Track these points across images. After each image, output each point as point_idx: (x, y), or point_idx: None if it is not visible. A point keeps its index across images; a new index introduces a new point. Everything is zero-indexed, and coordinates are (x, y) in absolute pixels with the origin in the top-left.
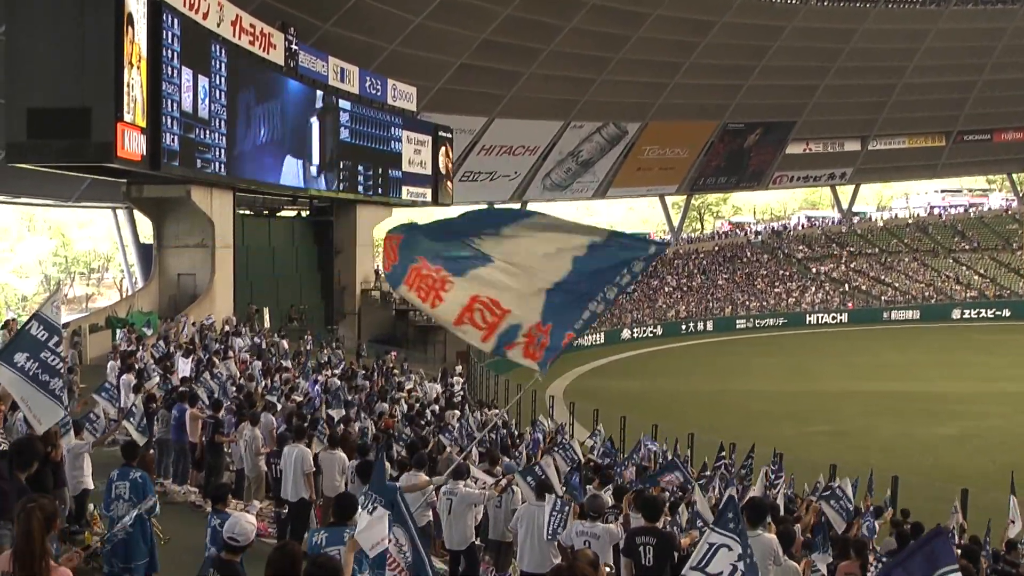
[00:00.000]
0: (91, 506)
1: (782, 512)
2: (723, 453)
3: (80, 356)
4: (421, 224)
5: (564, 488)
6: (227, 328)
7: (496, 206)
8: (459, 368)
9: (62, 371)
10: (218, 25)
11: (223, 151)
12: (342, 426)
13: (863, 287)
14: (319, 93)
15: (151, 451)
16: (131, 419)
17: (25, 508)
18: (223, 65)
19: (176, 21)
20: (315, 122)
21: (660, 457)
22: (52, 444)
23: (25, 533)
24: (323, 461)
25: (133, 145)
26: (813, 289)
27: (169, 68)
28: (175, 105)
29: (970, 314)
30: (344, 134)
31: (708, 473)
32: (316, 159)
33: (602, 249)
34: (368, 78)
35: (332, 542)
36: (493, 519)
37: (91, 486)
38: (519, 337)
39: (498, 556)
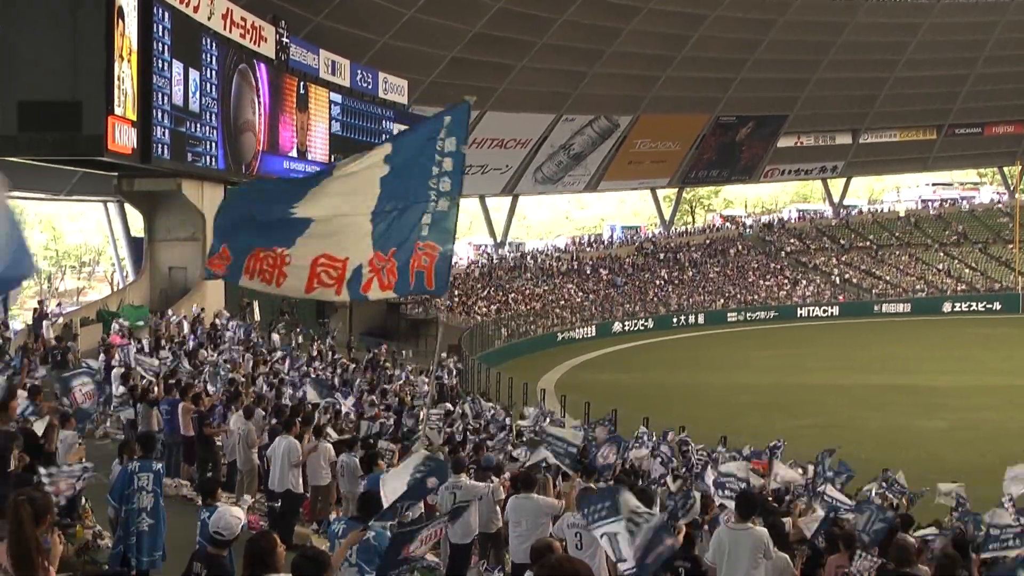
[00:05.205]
0: (83, 499)
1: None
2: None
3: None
4: (233, 199)
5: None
6: (218, 321)
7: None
8: (450, 361)
9: None
10: (209, 18)
11: (214, 144)
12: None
13: (854, 280)
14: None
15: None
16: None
17: (14, 501)
18: (214, 58)
19: (167, 14)
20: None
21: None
22: (46, 437)
23: (15, 526)
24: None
25: (124, 138)
26: (804, 282)
27: (160, 61)
28: (166, 98)
29: (961, 307)
30: (335, 127)
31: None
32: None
33: (399, 154)
34: (359, 71)
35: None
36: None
37: None
38: (365, 275)
39: (485, 547)
